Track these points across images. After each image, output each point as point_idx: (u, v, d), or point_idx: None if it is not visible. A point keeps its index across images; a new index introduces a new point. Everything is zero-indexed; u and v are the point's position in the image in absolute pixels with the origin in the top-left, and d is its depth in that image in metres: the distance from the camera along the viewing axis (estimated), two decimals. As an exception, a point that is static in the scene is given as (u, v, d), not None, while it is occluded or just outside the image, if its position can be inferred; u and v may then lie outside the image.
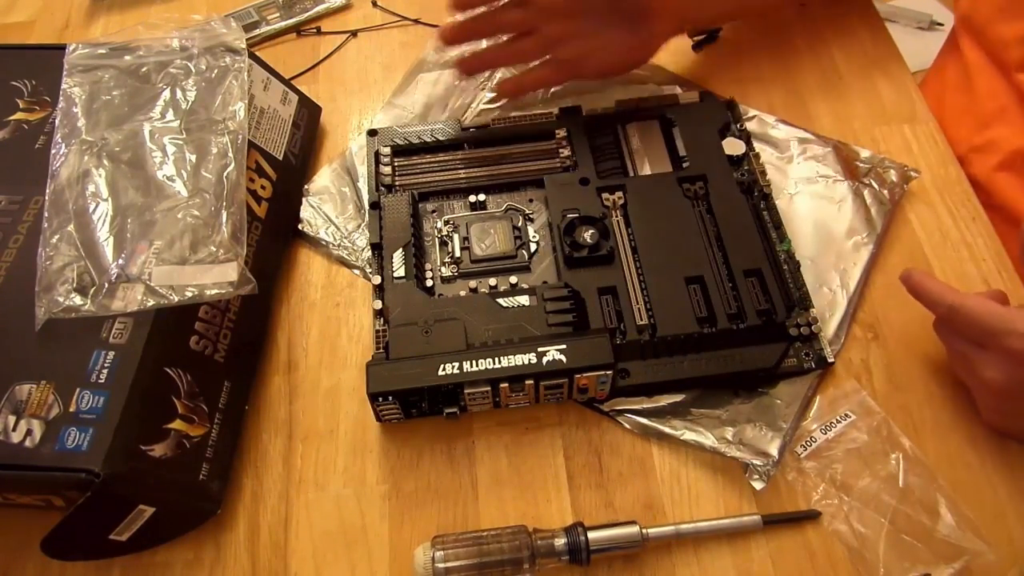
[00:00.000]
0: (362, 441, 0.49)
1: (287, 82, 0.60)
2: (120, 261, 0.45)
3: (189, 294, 0.45)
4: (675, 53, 0.67)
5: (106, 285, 0.44)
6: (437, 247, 0.53)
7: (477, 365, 0.45)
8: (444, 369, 0.45)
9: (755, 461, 0.46)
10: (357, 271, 0.56)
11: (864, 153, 0.58)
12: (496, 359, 0.46)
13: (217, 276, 0.46)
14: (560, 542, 0.43)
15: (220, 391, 0.48)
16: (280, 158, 0.57)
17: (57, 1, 0.75)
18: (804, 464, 0.46)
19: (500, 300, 0.49)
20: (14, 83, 0.55)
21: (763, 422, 0.47)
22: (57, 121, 0.51)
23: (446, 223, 0.54)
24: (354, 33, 0.70)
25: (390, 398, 0.46)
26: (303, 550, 0.46)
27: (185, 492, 0.44)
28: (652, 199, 0.54)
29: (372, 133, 0.59)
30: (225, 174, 0.49)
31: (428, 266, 0.52)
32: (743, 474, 0.47)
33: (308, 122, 0.61)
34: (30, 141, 0.52)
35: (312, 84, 0.67)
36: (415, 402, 0.47)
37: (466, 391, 0.46)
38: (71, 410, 0.41)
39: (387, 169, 0.57)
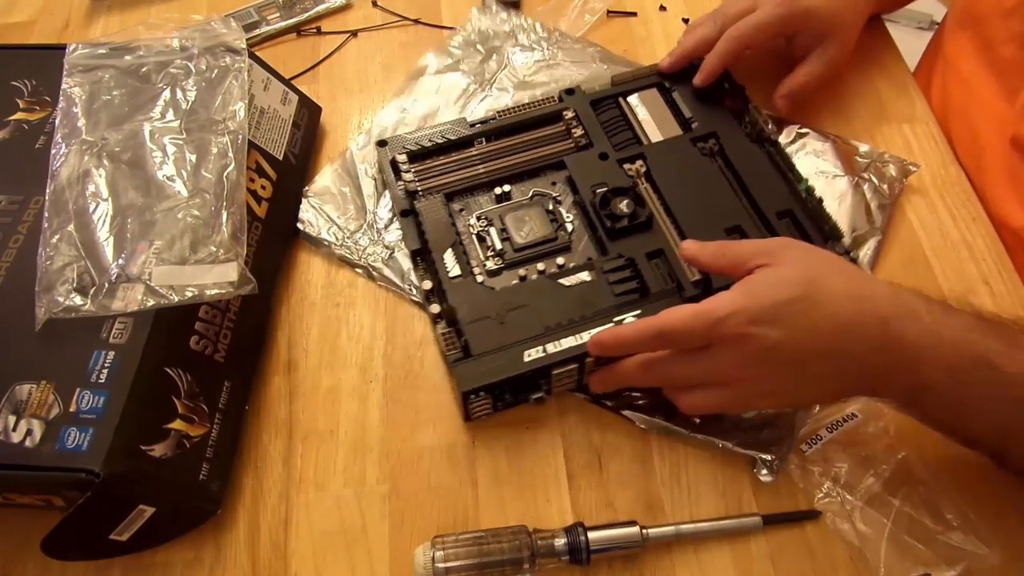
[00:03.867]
0: (362, 441, 0.49)
1: (287, 82, 0.60)
2: (120, 261, 0.45)
3: (189, 294, 0.45)
4: (675, 53, 0.67)
5: (106, 285, 0.44)
6: (476, 243, 0.54)
7: (560, 345, 0.46)
8: (529, 355, 0.46)
9: (763, 456, 0.46)
10: (359, 270, 0.56)
11: (863, 148, 0.58)
12: (577, 336, 0.46)
13: (217, 276, 0.46)
14: (560, 542, 0.43)
15: (220, 391, 0.48)
16: (280, 158, 0.57)
17: (57, 1, 0.75)
18: (809, 462, 0.46)
19: (561, 280, 0.50)
20: (14, 83, 0.55)
21: (770, 419, 0.47)
22: (57, 121, 0.51)
23: (478, 218, 0.55)
24: (354, 33, 0.70)
25: (481, 393, 0.46)
26: (303, 550, 0.46)
27: (185, 492, 0.44)
28: (673, 162, 0.55)
29: (382, 144, 0.58)
30: (225, 174, 0.49)
31: (473, 262, 0.53)
32: (743, 474, 0.46)
33: (308, 122, 0.61)
34: (30, 141, 0.52)
35: (312, 84, 0.66)
36: (501, 395, 0.47)
37: (554, 372, 0.46)
38: (71, 410, 0.41)
39: (409, 175, 0.57)
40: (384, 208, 0.58)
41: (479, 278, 0.52)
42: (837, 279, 0.42)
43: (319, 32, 0.70)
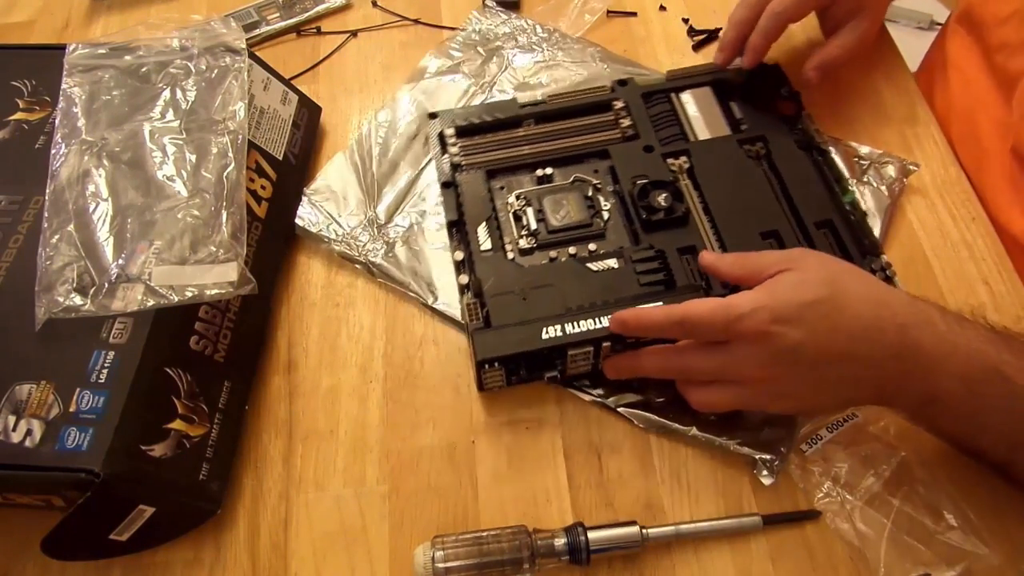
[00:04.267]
0: (362, 441, 0.49)
1: (287, 82, 0.60)
2: (120, 261, 0.45)
3: (189, 294, 0.45)
4: (676, 53, 0.67)
5: (106, 285, 0.44)
6: (512, 221, 0.54)
7: (579, 326, 0.46)
8: (547, 332, 0.46)
9: (764, 456, 0.46)
10: (359, 266, 0.56)
11: (863, 150, 0.58)
12: (596, 319, 0.46)
13: (217, 276, 0.46)
14: (560, 542, 0.43)
15: (220, 391, 0.48)
16: (280, 158, 0.57)
17: (57, 1, 0.75)
18: (809, 462, 0.46)
19: (589, 265, 0.50)
20: (14, 83, 0.55)
21: (771, 419, 0.47)
22: (57, 121, 0.51)
23: (518, 197, 0.55)
24: (354, 33, 0.70)
25: (496, 364, 0.46)
26: (303, 550, 0.46)
27: (185, 492, 0.44)
28: (717, 161, 0.56)
29: (432, 116, 0.60)
30: (225, 174, 0.49)
31: (507, 239, 0.53)
32: (743, 473, 0.46)
33: (308, 122, 0.61)
34: (30, 141, 0.52)
35: (312, 84, 0.66)
36: (515, 368, 0.48)
37: (569, 352, 0.46)
38: (71, 410, 0.41)
39: (455, 149, 0.58)
40: (384, 205, 0.58)
41: (510, 255, 0.52)
42: (857, 284, 0.42)
43: (319, 32, 0.70)
